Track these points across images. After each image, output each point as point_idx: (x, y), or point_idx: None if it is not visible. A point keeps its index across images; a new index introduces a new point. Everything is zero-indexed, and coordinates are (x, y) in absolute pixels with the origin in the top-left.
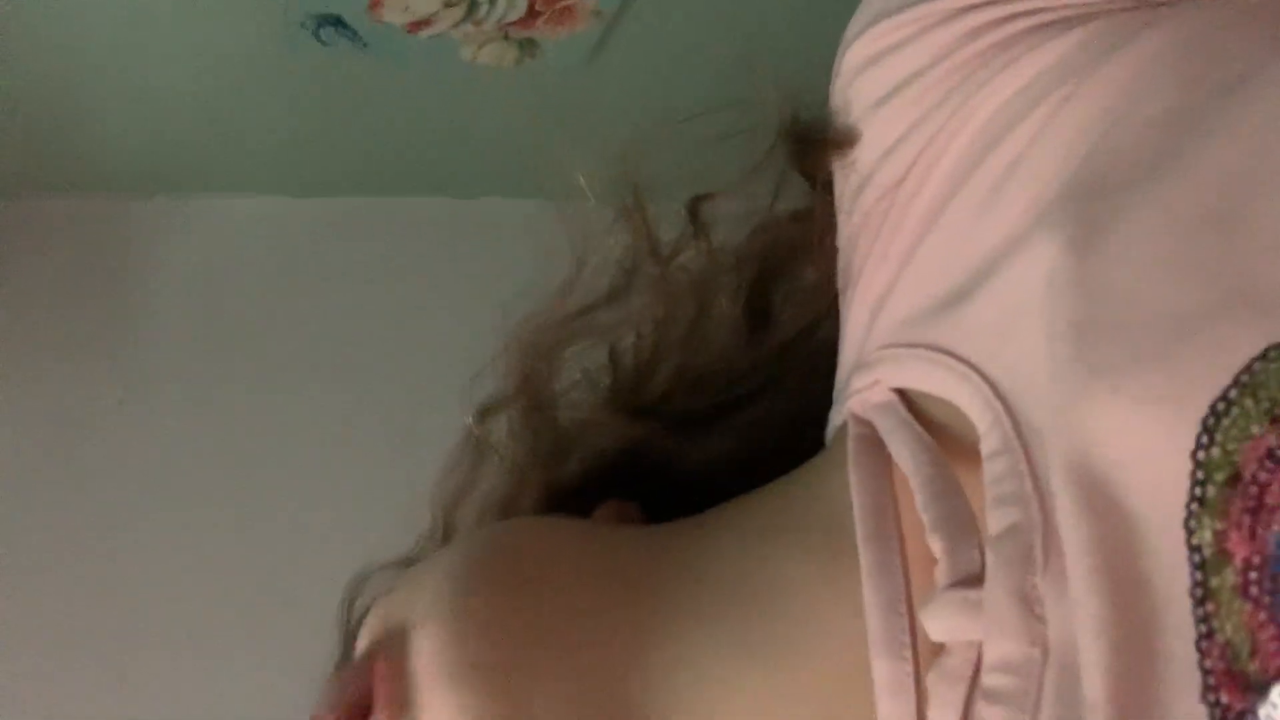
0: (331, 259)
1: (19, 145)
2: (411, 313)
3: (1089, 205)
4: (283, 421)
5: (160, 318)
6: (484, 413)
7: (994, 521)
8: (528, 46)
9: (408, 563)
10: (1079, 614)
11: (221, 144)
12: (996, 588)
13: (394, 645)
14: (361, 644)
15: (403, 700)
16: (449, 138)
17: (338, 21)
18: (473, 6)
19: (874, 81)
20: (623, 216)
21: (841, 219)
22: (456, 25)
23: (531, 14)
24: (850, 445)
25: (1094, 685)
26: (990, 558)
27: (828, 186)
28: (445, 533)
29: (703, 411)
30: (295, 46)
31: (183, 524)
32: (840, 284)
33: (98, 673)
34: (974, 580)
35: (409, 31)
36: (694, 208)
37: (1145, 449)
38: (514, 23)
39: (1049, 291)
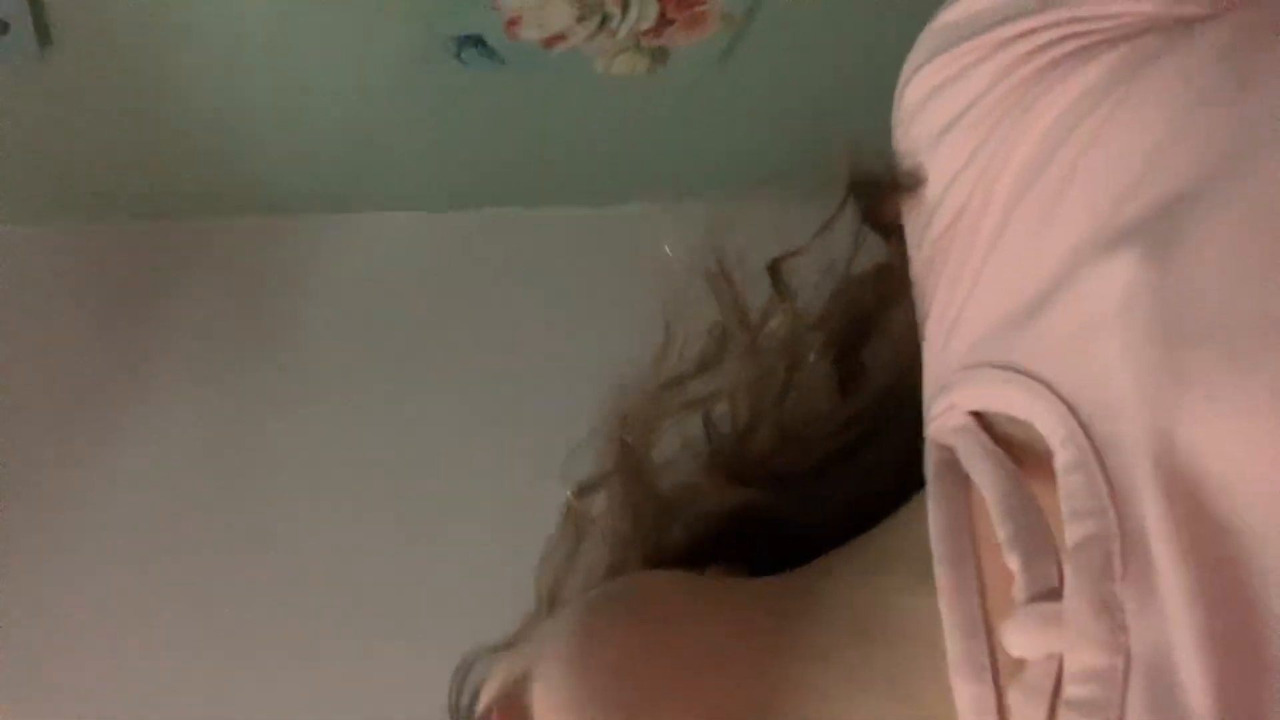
0: (476, 268)
1: (189, 172)
2: (555, 316)
3: (1160, 211)
4: (434, 424)
5: (317, 329)
6: (584, 489)
7: (1071, 534)
8: (659, 55)
9: (512, 644)
10: (1176, 625)
11: (370, 164)
12: (1076, 598)
13: (513, 693)
14: (483, 702)
15: None
16: (585, 148)
17: (479, 42)
18: (605, 18)
19: (934, 115)
20: (710, 284)
21: (913, 254)
22: (591, 38)
23: (662, 21)
24: (929, 471)
25: (1200, 696)
26: (1069, 570)
27: (902, 233)
28: (550, 609)
29: (809, 468)
30: (438, 67)
31: (339, 525)
32: (919, 318)
33: (245, 671)
34: (1052, 594)
35: (545, 47)
36: (775, 268)
37: (1245, 459)
38: (646, 32)
39: (1127, 303)
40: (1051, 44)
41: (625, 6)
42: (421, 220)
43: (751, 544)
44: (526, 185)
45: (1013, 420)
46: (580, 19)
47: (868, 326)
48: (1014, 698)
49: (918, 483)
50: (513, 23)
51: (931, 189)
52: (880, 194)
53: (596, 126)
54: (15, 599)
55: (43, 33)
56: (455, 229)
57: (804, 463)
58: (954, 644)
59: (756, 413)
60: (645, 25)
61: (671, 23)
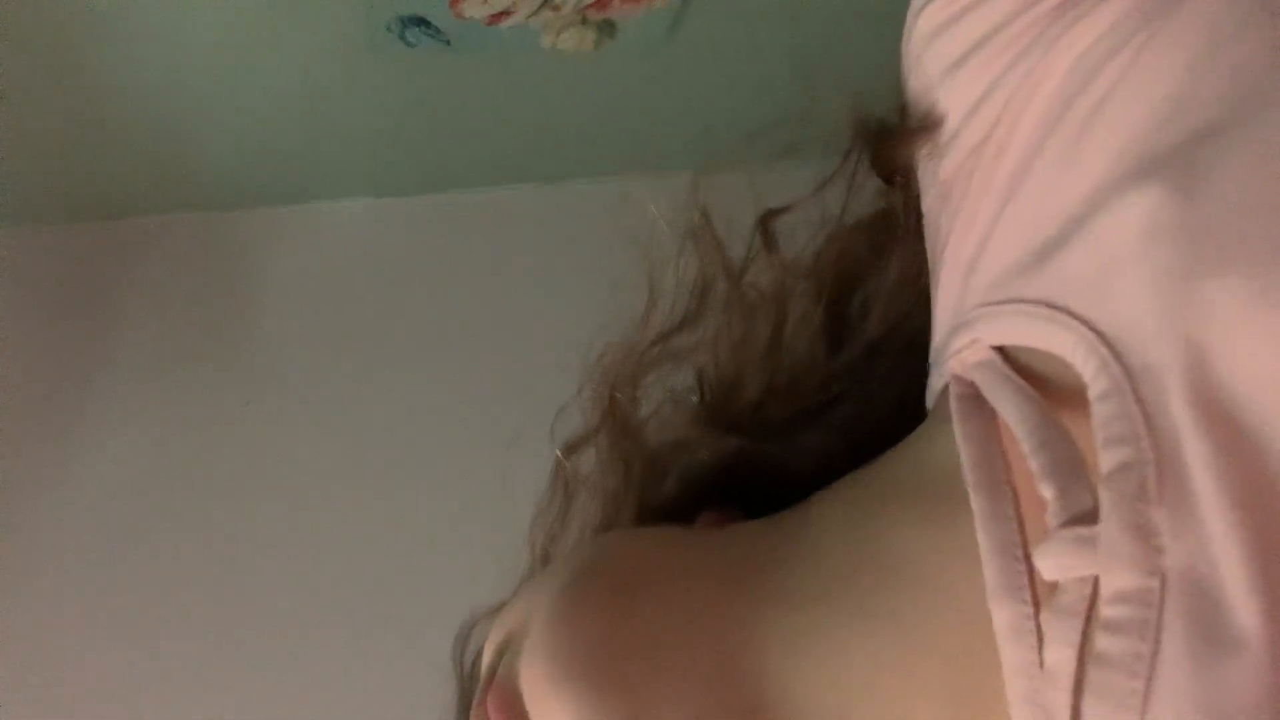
0: (434, 252)
1: (131, 170)
2: (518, 294)
3: (1186, 145)
4: (397, 414)
5: (274, 322)
6: (571, 447)
7: (1105, 461)
8: (606, 29)
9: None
10: (1220, 545)
11: (321, 152)
12: (1111, 522)
13: (505, 671)
14: (484, 670)
15: (520, 714)
16: (536, 126)
17: (422, 21)
18: None
19: (947, 47)
20: (691, 239)
21: (925, 191)
22: (535, 13)
23: None
24: (953, 404)
25: (1248, 612)
26: (1103, 496)
27: (905, 181)
28: (543, 568)
29: (799, 417)
30: (382, 50)
31: (307, 520)
32: (930, 257)
33: (220, 671)
34: (1086, 519)
35: (490, 24)
36: (765, 223)
37: (1276, 382)
38: (590, 5)
39: (1153, 235)
40: None
41: None
42: (375, 206)
43: (744, 491)
44: (482, 165)
45: (1035, 354)
46: None
47: (860, 276)
48: (1047, 620)
49: (910, 422)
50: (456, 1)
51: (947, 121)
52: (890, 139)
53: (548, 103)
54: None
55: None
56: (410, 213)
57: (794, 411)
58: (992, 568)
59: (744, 363)
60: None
61: None
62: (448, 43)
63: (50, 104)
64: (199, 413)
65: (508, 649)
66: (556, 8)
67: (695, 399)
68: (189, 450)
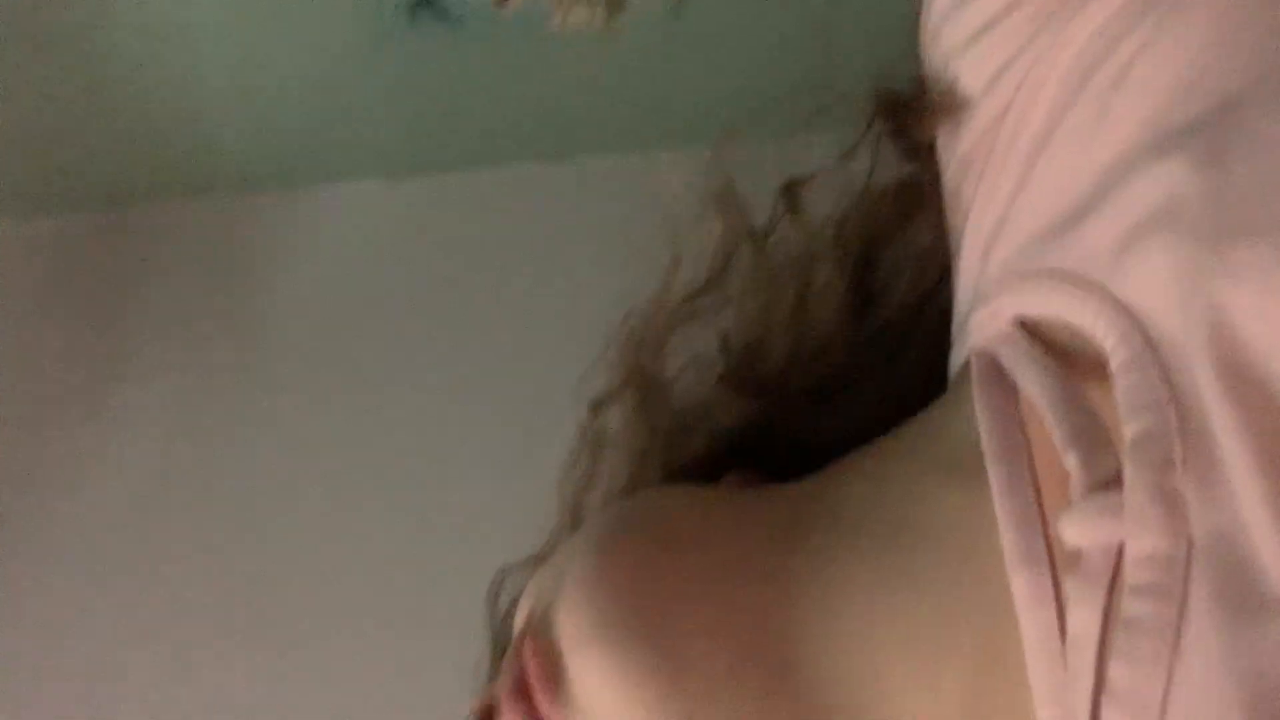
0: (450, 233)
1: (146, 158)
2: (534, 272)
3: (1210, 116)
4: (420, 389)
5: (290, 303)
6: (597, 406)
7: (1129, 430)
8: (615, 3)
9: (542, 558)
10: (1250, 509)
11: (329, 134)
12: (1135, 488)
13: (541, 623)
14: (517, 630)
15: (554, 673)
16: (549, 103)
17: (429, 4)
18: None
19: (965, 20)
20: (715, 204)
21: (945, 162)
22: None
23: None
24: (974, 376)
25: None
26: (1127, 465)
27: (927, 152)
28: (574, 524)
29: (824, 383)
30: (390, 33)
31: (328, 500)
32: (951, 229)
33: (233, 665)
34: (1110, 486)
35: (497, 5)
36: (789, 191)
37: None
38: None
39: (1175, 205)
40: None
41: None
42: (388, 188)
43: (767, 454)
44: (494, 144)
45: (1057, 325)
46: None
47: (885, 244)
48: (1070, 586)
49: (934, 393)
50: None
51: (966, 93)
52: (911, 113)
53: (560, 80)
54: None
55: None
56: (423, 193)
57: (819, 378)
58: (1009, 536)
59: (768, 328)
60: None
61: None
62: (456, 24)
63: (58, 92)
64: (216, 398)
65: (544, 601)
66: None
67: (720, 363)
68: (206, 437)
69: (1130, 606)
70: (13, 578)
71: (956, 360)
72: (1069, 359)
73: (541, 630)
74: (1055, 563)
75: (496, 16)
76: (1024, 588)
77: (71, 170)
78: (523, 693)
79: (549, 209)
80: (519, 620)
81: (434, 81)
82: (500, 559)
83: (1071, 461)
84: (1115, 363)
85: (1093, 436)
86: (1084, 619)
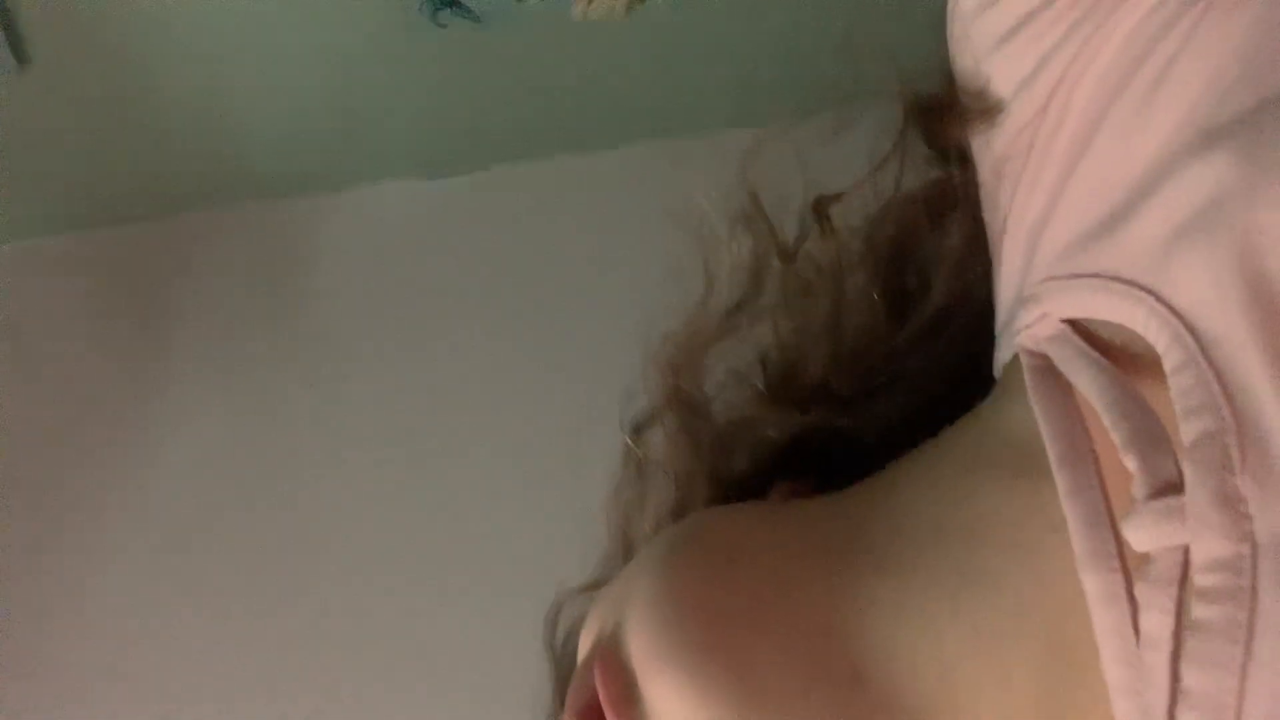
0: (481, 229)
1: (180, 168)
2: (565, 265)
3: (1253, 114)
4: (459, 387)
5: (330, 304)
6: (638, 429)
7: (1186, 432)
8: None
9: (598, 584)
10: None
11: (360, 136)
12: (1197, 492)
13: (609, 646)
14: (581, 655)
15: (627, 695)
16: (574, 96)
17: (453, 2)
18: None
19: (995, 20)
20: (743, 222)
21: (980, 165)
22: None
23: None
24: (1028, 378)
25: None
26: (1187, 466)
27: (960, 153)
28: (625, 548)
29: (866, 389)
30: (416, 31)
31: (371, 499)
32: (989, 229)
33: (288, 660)
34: (1172, 489)
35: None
36: (819, 208)
37: None
38: None
39: (1220, 204)
40: None
41: None
42: (420, 187)
43: (814, 464)
44: (523, 138)
45: (1109, 327)
46: None
47: (917, 247)
48: (1141, 589)
49: (977, 389)
50: None
51: (999, 94)
52: (943, 116)
53: (585, 72)
54: (39, 603)
55: (18, 50)
56: (455, 191)
57: (861, 385)
58: (1080, 538)
59: (805, 341)
60: None
61: None
62: (479, 20)
63: (92, 109)
64: (261, 400)
65: (610, 624)
66: None
67: (760, 378)
68: (253, 439)
69: (1199, 610)
70: (76, 575)
71: (1001, 358)
72: (1122, 359)
73: (611, 653)
74: (1125, 562)
75: (519, 13)
76: (1095, 588)
77: (108, 185)
78: (594, 716)
79: (581, 200)
80: (583, 645)
81: (461, 79)
82: (544, 575)
83: (1132, 463)
84: (1169, 365)
85: (1151, 437)
86: (1157, 622)
